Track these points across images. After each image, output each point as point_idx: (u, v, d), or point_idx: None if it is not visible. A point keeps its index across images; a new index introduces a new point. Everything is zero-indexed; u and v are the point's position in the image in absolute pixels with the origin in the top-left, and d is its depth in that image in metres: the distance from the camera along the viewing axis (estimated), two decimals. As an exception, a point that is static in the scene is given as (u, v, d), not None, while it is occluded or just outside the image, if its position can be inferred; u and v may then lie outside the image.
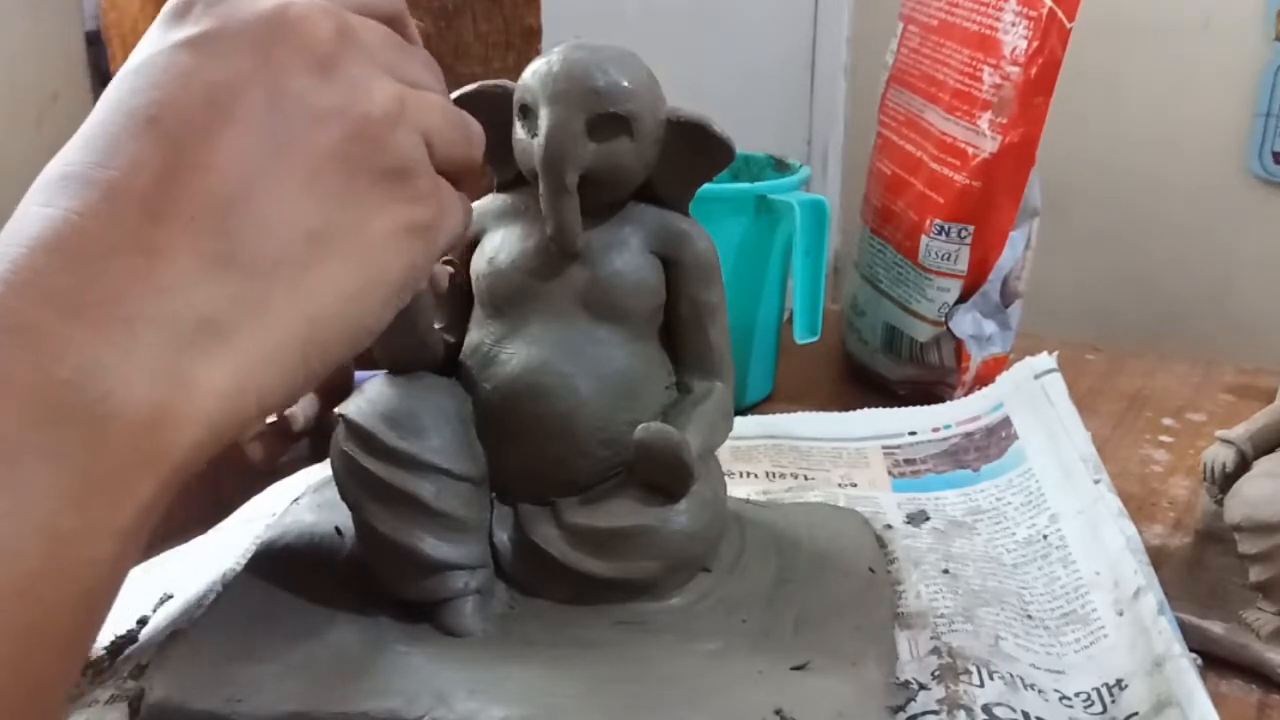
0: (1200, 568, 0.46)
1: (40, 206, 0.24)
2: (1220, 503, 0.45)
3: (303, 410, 0.43)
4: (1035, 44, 0.61)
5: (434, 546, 0.38)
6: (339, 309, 0.28)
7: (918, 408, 0.62)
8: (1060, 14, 0.61)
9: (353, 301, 0.28)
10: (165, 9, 0.28)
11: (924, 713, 0.36)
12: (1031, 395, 0.57)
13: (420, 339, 0.40)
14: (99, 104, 0.26)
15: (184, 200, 0.25)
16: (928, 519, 0.50)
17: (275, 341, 0.26)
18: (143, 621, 0.41)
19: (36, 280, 0.23)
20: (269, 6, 0.27)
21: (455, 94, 0.41)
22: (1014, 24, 0.62)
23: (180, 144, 0.25)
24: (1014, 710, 0.36)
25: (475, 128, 0.34)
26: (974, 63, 0.64)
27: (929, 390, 0.67)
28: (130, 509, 0.23)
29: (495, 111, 0.41)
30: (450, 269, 0.42)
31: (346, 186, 0.28)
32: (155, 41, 0.27)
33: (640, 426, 0.38)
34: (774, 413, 0.62)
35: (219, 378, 0.25)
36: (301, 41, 0.27)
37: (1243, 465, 0.45)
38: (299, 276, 0.27)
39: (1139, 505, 0.54)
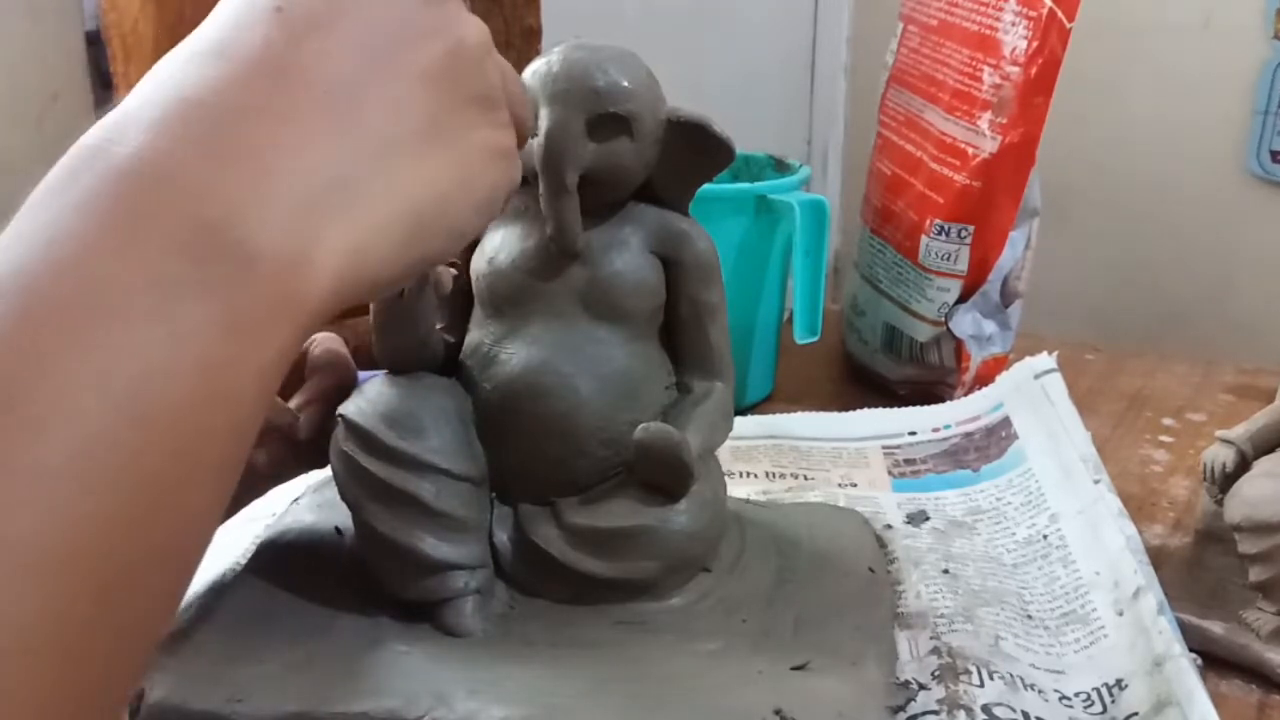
0: (1200, 568, 0.46)
1: (168, 75, 0.26)
2: (1220, 503, 0.45)
3: (307, 418, 0.43)
4: (1035, 44, 0.61)
5: (434, 546, 0.38)
6: (440, 202, 0.29)
7: (918, 408, 0.62)
8: (1060, 14, 0.61)
9: (450, 200, 0.30)
10: None
11: (924, 713, 0.36)
12: (1031, 395, 0.57)
13: (420, 339, 0.40)
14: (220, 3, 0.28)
15: (316, 75, 0.26)
16: (928, 519, 0.50)
17: (389, 214, 0.28)
18: (143, 621, 0.41)
19: (183, 130, 0.24)
20: None
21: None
22: (1014, 24, 0.62)
23: (305, 31, 0.27)
24: (1014, 710, 0.36)
25: (532, 103, 0.36)
26: (974, 63, 0.64)
27: (929, 390, 0.67)
28: (272, 347, 0.25)
29: (495, 111, 0.41)
30: (453, 271, 0.42)
31: (446, 98, 0.29)
32: None
33: (640, 426, 0.38)
34: (774, 413, 0.62)
35: (344, 235, 0.26)
36: None
37: (1243, 465, 0.45)
38: (408, 164, 0.28)
39: (1139, 505, 0.54)
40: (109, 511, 0.21)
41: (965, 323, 0.66)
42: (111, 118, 0.25)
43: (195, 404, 0.23)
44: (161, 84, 0.25)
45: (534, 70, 0.39)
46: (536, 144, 0.38)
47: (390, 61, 0.28)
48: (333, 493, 0.40)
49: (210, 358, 0.23)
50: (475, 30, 0.31)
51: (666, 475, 0.39)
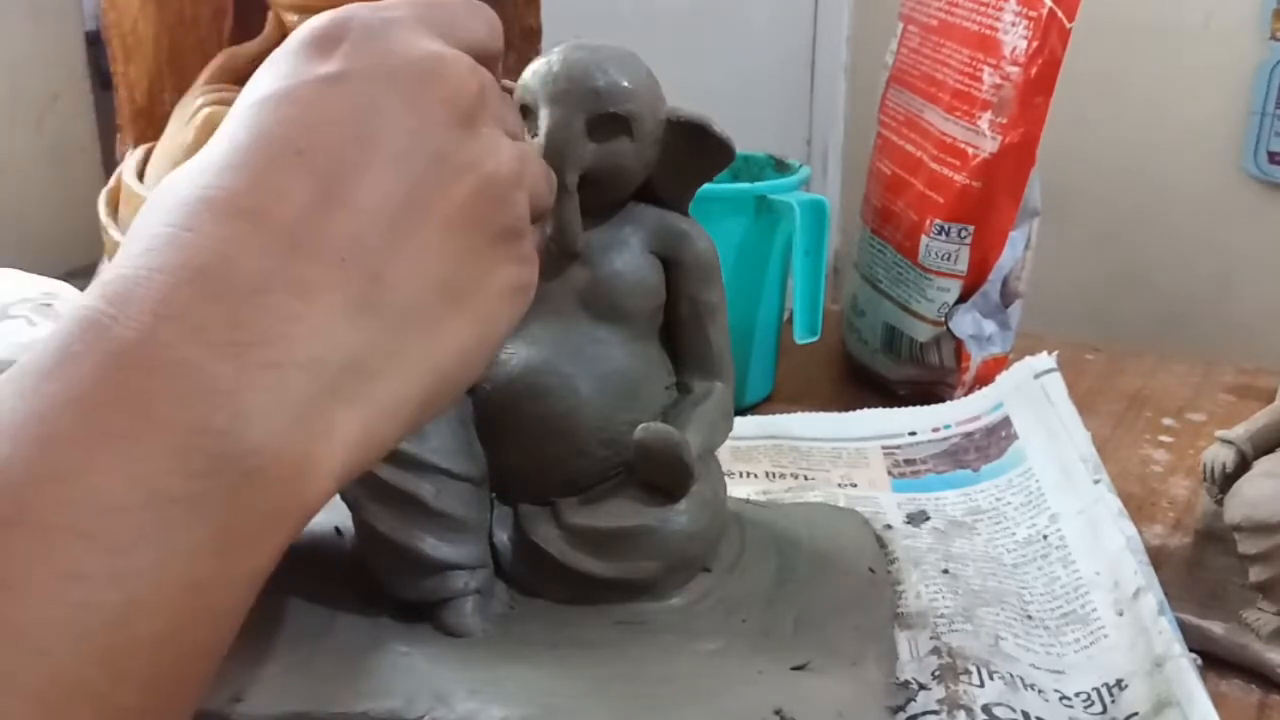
0: (1200, 568, 0.46)
1: (182, 230, 0.23)
2: (1220, 503, 0.45)
3: None
4: (1035, 44, 0.61)
5: (434, 546, 0.38)
6: (459, 363, 0.28)
7: (918, 408, 0.62)
8: (1060, 14, 0.61)
9: (469, 356, 0.28)
10: (306, 37, 0.27)
11: (924, 713, 0.36)
12: (1031, 395, 0.57)
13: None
14: (235, 125, 0.25)
15: (333, 239, 0.24)
16: (928, 519, 0.50)
17: (405, 393, 0.26)
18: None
19: (188, 314, 0.22)
20: (420, 54, 0.27)
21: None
22: (1014, 24, 0.62)
23: (328, 180, 0.25)
24: (1014, 710, 0.36)
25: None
26: (974, 63, 0.64)
27: (929, 390, 0.67)
28: (265, 557, 0.23)
29: (495, 111, 0.41)
30: None
31: (472, 242, 0.28)
32: (297, 71, 0.26)
33: (640, 427, 0.38)
34: (774, 413, 0.62)
35: (354, 427, 0.24)
36: (449, 94, 0.27)
37: (1243, 465, 0.45)
38: (431, 328, 0.26)
39: (1139, 505, 0.54)
40: None
41: (965, 323, 0.66)
42: (115, 277, 0.23)
43: (176, 629, 0.21)
44: (168, 247, 0.23)
45: (534, 70, 0.39)
46: (536, 144, 0.38)
47: (416, 212, 0.26)
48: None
49: (200, 581, 0.21)
50: (507, 160, 0.29)
51: (666, 475, 0.39)
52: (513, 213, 0.29)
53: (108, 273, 0.23)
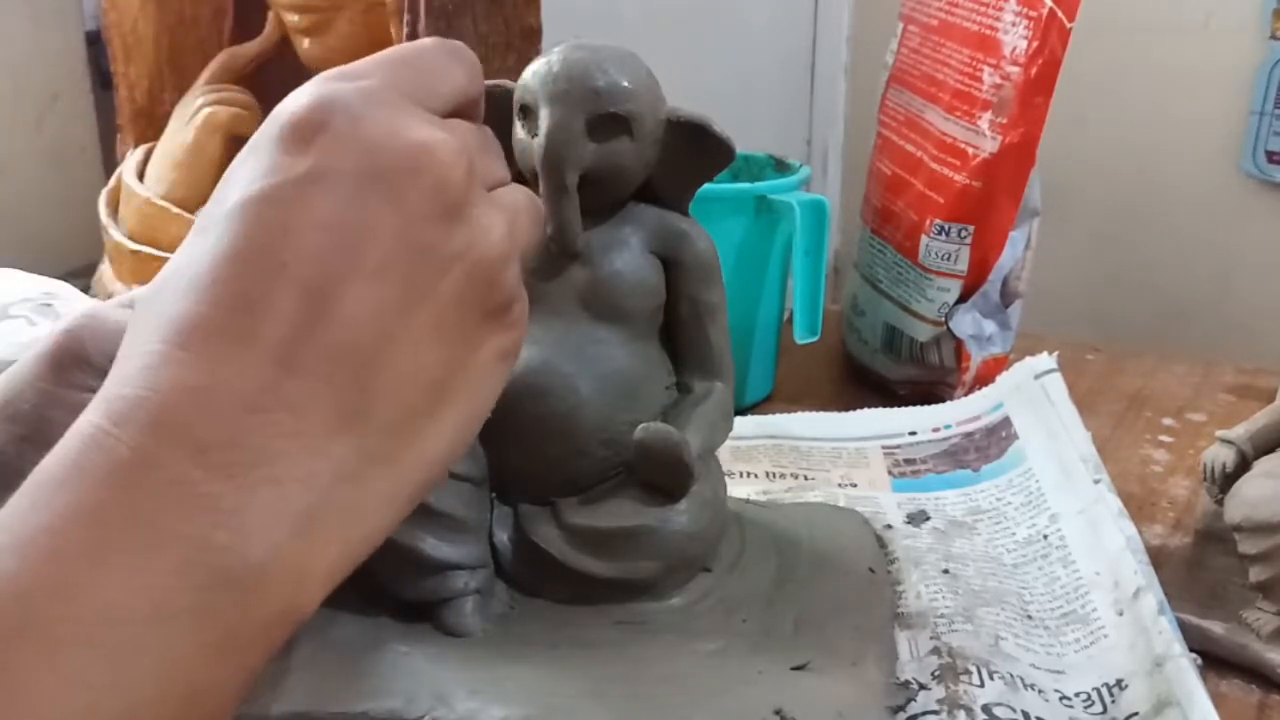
0: (1200, 568, 0.46)
1: (176, 349, 0.24)
2: (1220, 503, 0.45)
3: None
4: (1035, 44, 0.61)
5: (434, 546, 0.38)
6: (450, 449, 0.28)
7: (918, 408, 0.62)
8: (1060, 14, 0.61)
9: (461, 437, 0.28)
10: (285, 124, 0.26)
11: (924, 713, 0.36)
12: (1031, 395, 0.57)
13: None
14: (219, 230, 0.25)
15: (320, 355, 0.24)
16: (928, 519, 0.50)
17: (397, 490, 0.26)
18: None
19: (187, 435, 0.23)
20: (403, 144, 0.26)
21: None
22: (1014, 24, 0.62)
23: (314, 295, 0.24)
24: (1014, 710, 0.36)
25: (543, 210, 0.34)
26: (974, 63, 0.64)
27: (929, 390, 0.67)
28: (260, 659, 0.24)
29: (495, 112, 0.40)
30: None
31: (463, 328, 0.27)
32: (277, 167, 0.25)
33: (640, 427, 0.38)
34: (774, 413, 0.62)
35: (344, 532, 0.25)
36: (435, 185, 0.26)
37: (1243, 465, 0.45)
38: (422, 426, 0.27)
39: (1139, 505, 0.54)
40: None
41: (965, 323, 0.66)
42: (116, 396, 0.23)
43: None
44: (166, 358, 0.23)
45: (534, 70, 0.39)
46: (536, 144, 0.38)
47: (408, 312, 0.26)
48: (333, 493, 0.39)
49: (198, 684, 0.22)
50: (497, 239, 0.28)
51: (666, 475, 0.39)
52: (505, 290, 0.28)
53: (110, 387, 0.24)
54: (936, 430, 0.59)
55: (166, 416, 0.23)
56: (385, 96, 0.27)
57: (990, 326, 0.67)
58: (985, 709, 0.36)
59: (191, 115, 0.72)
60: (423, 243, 0.26)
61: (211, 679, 0.23)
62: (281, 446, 0.24)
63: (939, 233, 0.65)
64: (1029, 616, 0.43)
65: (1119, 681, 0.38)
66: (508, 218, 0.29)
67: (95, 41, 0.87)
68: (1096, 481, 0.48)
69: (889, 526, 0.49)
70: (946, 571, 0.45)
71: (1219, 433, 0.46)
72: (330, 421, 0.24)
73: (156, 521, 0.22)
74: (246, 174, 0.26)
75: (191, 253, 0.25)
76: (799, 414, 0.62)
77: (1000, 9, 0.63)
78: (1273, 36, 1.53)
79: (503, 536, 0.40)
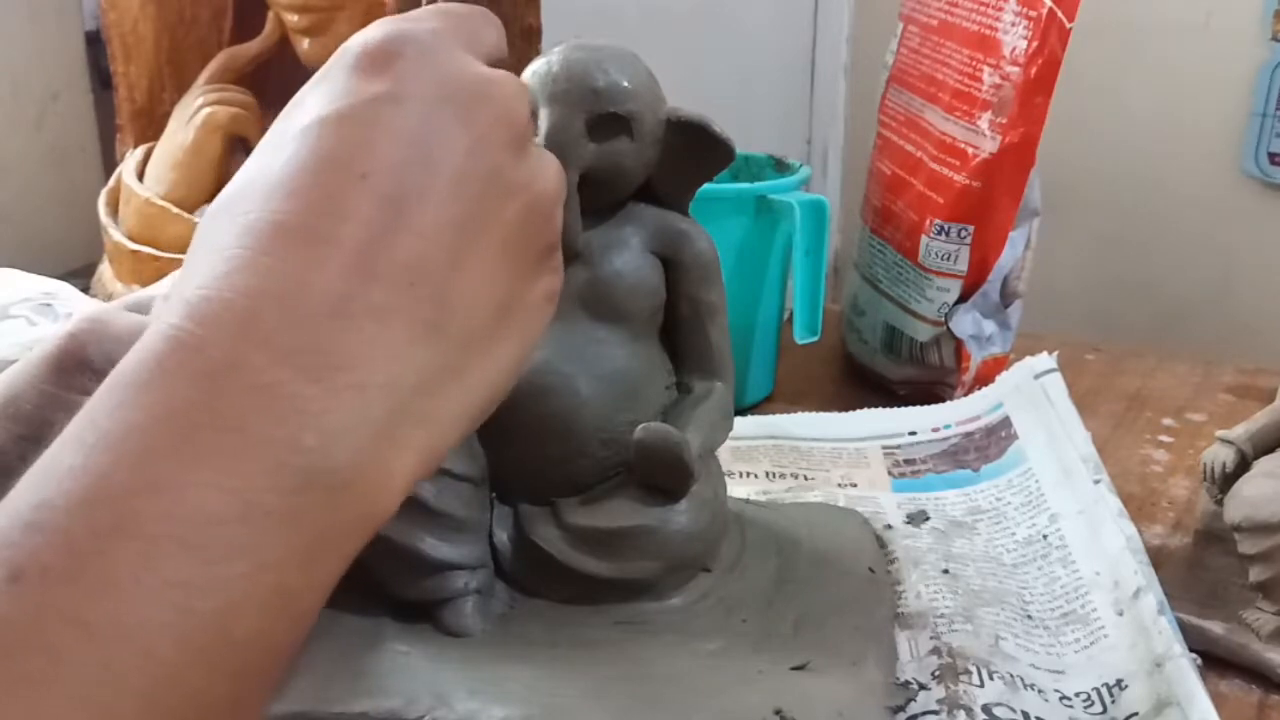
0: (1200, 568, 0.46)
1: (259, 255, 0.24)
2: (1220, 503, 0.45)
3: None
4: (1035, 44, 0.61)
5: (434, 546, 0.38)
6: (507, 376, 0.29)
7: (918, 408, 0.62)
8: (1060, 14, 0.61)
9: (515, 368, 0.29)
10: (359, 54, 0.27)
11: (924, 713, 0.36)
12: (1031, 395, 0.57)
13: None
14: (296, 144, 0.26)
15: (401, 263, 0.25)
16: (928, 519, 0.50)
17: (464, 408, 0.27)
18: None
19: (274, 339, 0.23)
20: (473, 75, 0.28)
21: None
22: (1014, 24, 0.62)
23: (394, 205, 0.25)
24: (1014, 710, 0.36)
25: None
26: (974, 63, 0.64)
27: (929, 390, 0.67)
28: (343, 563, 0.24)
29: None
30: None
31: (522, 260, 0.28)
32: (352, 90, 0.26)
33: (640, 427, 0.38)
34: (774, 413, 0.62)
35: (422, 442, 0.26)
36: (504, 113, 0.28)
37: (1243, 465, 0.45)
38: (488, 346, 0.28)
39: (1139, 505, 0.54)
40: None
41: (965, 323, 0.66)
42: (198, 298, 0.23)
43: (265, 632, 0.22)
44: (243, 270, 0.24)
45: (534, 70, 0.39)
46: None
47: (475, 234, 0.27)
48: (333, 493, 0.39)
49: (288, 588, 0.23)
50: (554, 178, 0.30)
51: (666, 475, 0.39)
52: (555, 229, 0.30)
53: (186, 290, 0.24)
54: (936, 430, 0.59)
55: (253, 319, 0.23)
56: (449, 38, 0.28)
57: (990, 326, 0.67)
58: (985, 709, 0.36)
59: (191, 115, 0.72)
60: (492, 167, 0.27)
61: (300, 581, 0.23)
62: (365, 353, 0.24)
63: (939, 233, 0.65)
64: (1029, 616, 0.43)
65: (1119, 681, 0.38)
66: (559, 167, 0.30)
67: (95, 41, 0.87)
68: (1096, 481, 0.48)
69: (889, 526, 0.49)
70: (946, 571, 0.45)
71: (1219, 433, 0.46)
72: (410, 330, 0.25)
73: (246, 423, 0.22)
74: (320, 97, 0.27)
75: (265, 166, 0.26)
76: (799, 414, 0.62)
77: (1000, 9, 0.63)
78: (1274, 38, 1.53)
79: (503, 536, 0.40)
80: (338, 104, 0.26)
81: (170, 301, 0.24)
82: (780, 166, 0.69)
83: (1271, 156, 1.56)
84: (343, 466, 0.23)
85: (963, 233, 0.64)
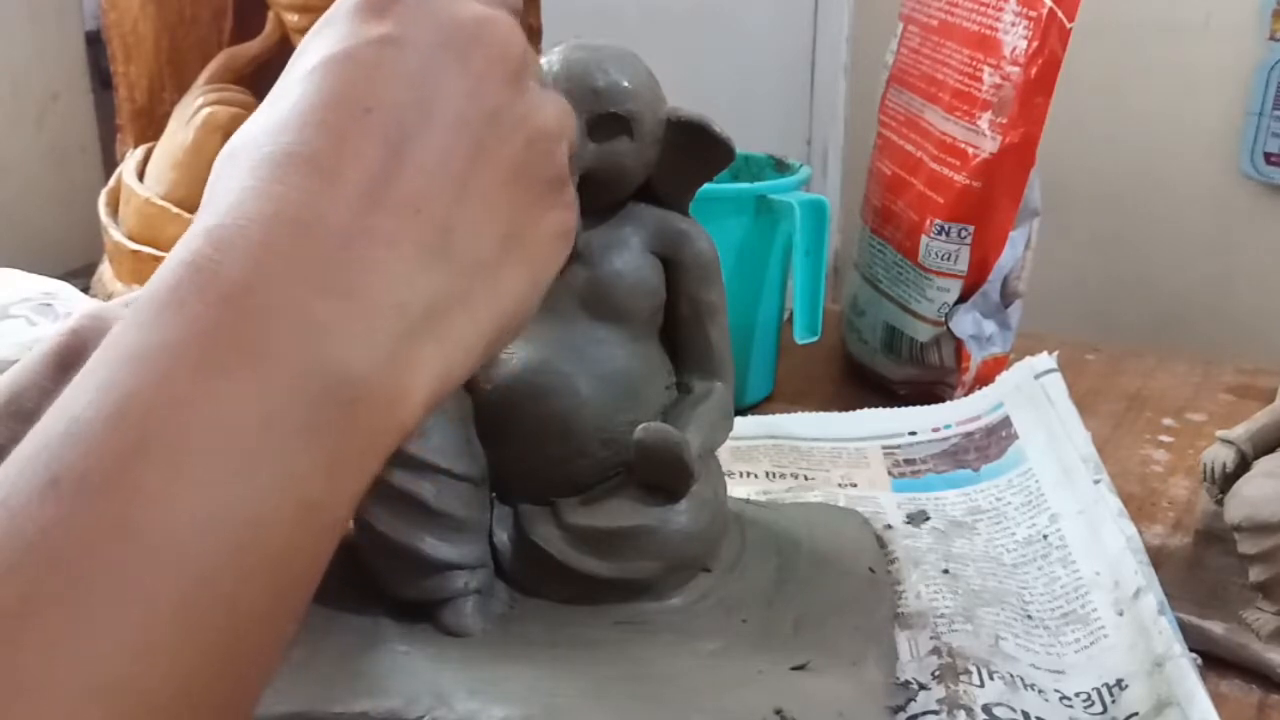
0: (1200, 568, 0.46)
1: (272, 184, 0.25)
2: (1220, 503, 0.45)
3: None
4: (1035, 44, 0.61)
5: (434, 546, 0.38)
6: (517, 304, 0.30)
7: (918, 408, 0.62)
8: (1060, 14, 0.61)
9: (526, 298, 0.30)
10: (352, 3, 0.28)
11: (924, 713, 0.36)
12: (1031, 395, 0.57)
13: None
14: (303, 84, 0.27)
15: (406, 194, 0.26)
16: (928, 519, 0.50)
17: (474, 333, 0.28)
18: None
19: (289, 261, 0.24)
20: (469, 16, 0.29)
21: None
22: (1014, 24, 0.62)
23: (397, 139, 0.26)
24: (1014, 710, 0.36)
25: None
26: (974, 63, 0.64)
27: (929, 390, 0.67)
28: (364, 479, 0.25)
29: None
30: None
31: (526, 193, 0.29)
32: (354, 33, 0.27)
33: (640, 427, 0.38)
34: (774, 413, 0.62)
35: (435, 363, 0.27)
36: (500, 52, 0.29)
37: (1243, 465, 0.45)
38: (494, 273, 0.28)
39: (1139, 505, 0.54)
40: (204, 659, 0.21)
41: (965, 323, 0.66)
42: (214, 225, 0.24)
43: (294, 547, 0.23)
44: (256, 198, 0.25)
45: (534, 70, 0.39)
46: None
47: (476, 168, 0.28)
48: (333, 493, 0.39)
49: (312, 500, 0.23)
50: (553, 114, 0.30)
51: (666, 475, 0.39)
52: (558, 164, 0.31)
53: (203, 222, 0.25)
54: (936, 430, 0.59)
55: (268, 243, 0.24)
56: None
57: (990, 326, 0.67)
58: (985, 709, 0.36)
59: (191, 115, 0.72)
60: (490, 104, 0.28)
61: (325, 493, 0.24)
62: (375, 275, 0.25)
63: (939, 233, 0.65)
64: (1029, 616, 0.43)
65: (1119, 681, 0.38)
66: (561, 104, 0.31)
67: (95, 41, 0.87)
68: (1096, 481, 0.48)
69: (889, 526, 0.49)
70: (946, 571, 0.45)
71: (1219, 433, 0.46)
72: (415, 256, 0.26)
73: (267, 340, 0.23)
74: (323, 41, 0.28)
75: (275, 108, 0.27)
76: (799, 414, 0.62)
77: (1000, 9, 0.63)
78: (1272, 37, 1.53)
79: (503, 536, 0.40)
80: (341, 45, 0.27)
81: (187, 235, 0.25)
82: (780, 166, 0.69)
83: (1268, 156, 1.56)
84: (358, 379, 0.24)
85: (963, 233, 0.64)
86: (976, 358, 0.66)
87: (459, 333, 0.27)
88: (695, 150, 0.40)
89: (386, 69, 0.27)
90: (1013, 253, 0.66)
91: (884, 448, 0.59)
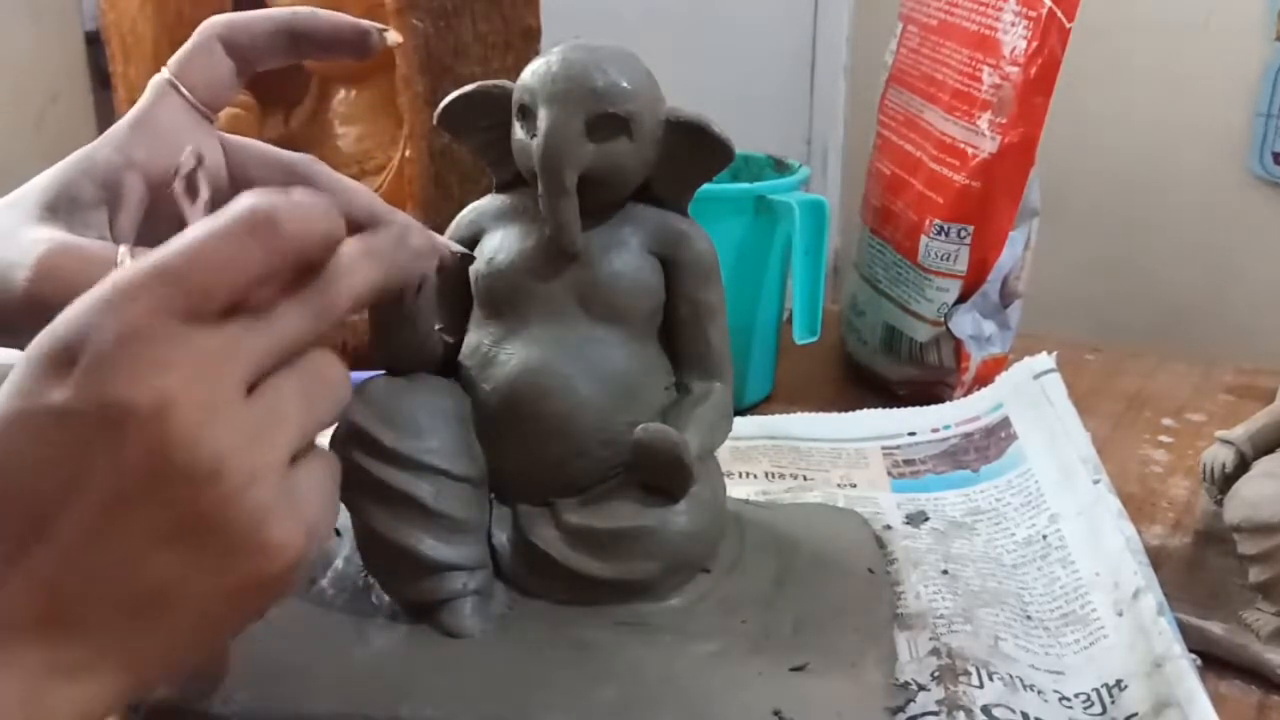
0: (1200, 568, 0.46)
1: None
2: (1220, 503, 0.45)
3: None
4: (1035, 44, 0.61)
5: (433, 547, 0.38)
6: (164, 662, 0.29)
7: (917, 408, 0.62)
8: (1060, 14, 0.61)
9: (183, 652, 0.29)
10: (45, 349, 0.27)
11: (923, 713, 0.36)
12: (1031, 395, 0.57)
13: (419, 340, 0.40)
14: None
15: (30, 574, 0.26)
16: (927, 519, 0.50)
17: (110, 692, 0.27)
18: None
19: None
20: (146, 399, 0.26)
21: (455, 94, 0.41)
22: (1014, 24, 0.62)
23: (36, 516, 0.26)
24: (1013, 711, 0.36)
25: (345, 395, 0.32)
26: (974, 63, 0.64)
27: (929, 390, 0.67)
28: None
29: (494, 112, 0.41)
30: (456, 248, 0.41)
31: (192, 555, 0.27)
32: (29, 391, 0.26)
33: (639, 427, 0.38)
34: (773, 413, 0.62)
35: (77, 705, 0.27)
36: (158, 445, 0.26)
37: (1242, 466, 0.45)
38: (130, 642, 0.27)
39: (1139, 505, 0.54)
40: None
41: (965, 323, 0.66)
42: None
43: None
44: None
45: (533, 70, 0.39)
46: (535, 144, 0.38)
47: (119, 542, 0.26)
48: (332, 493, 0.39)
49: None
50: (282, 540, 0.28)
51: (666, 476, 0.39)
52: (247, 509, 0.27)
53: None
54: (936, 431, 0.59)
55: None
56: (143, 333, 0.26)
57: (990, 326, 0.67)
58: (984, 710, 0.36)
59: (191, 115, 0.72)
60: (130, 491, 0.26)
61: None
62: None
63: (938, 233, 0.65)
64: (1028, 617, 0.43)
65: (1118, 682, 0.38)
66: (249, 436, 0.28)
67: (95, 41, 0.87)
68: (1096, 482, 0.48)
69: (888, 527, 0.49)
70: (946, 572, 0.45)
71: (1218, 433, 0.46)
72: (34, 628, 0.26)
73: None
74: (7, 388, 0.27)
75: None
76: (798, 414, 0.62)
77: (1000, 9, 0.63)
78: (1277, 38, 1.53)
79: (501, 537, 0.40)
80: (14, 404, 0.26)
81: None
82: (780, 166, 0.69)
83: (1276, 157, 1.56)
84: None
85: (962, 233, 0.64)
86: (976, 358, 0.66)
87: (80, 694, 0.27)
88: (694, 150, 0.40)
89: (41, 447, 0.26)
90: (1012, 253, 0.66)
91: (883, 448, 0.59)
